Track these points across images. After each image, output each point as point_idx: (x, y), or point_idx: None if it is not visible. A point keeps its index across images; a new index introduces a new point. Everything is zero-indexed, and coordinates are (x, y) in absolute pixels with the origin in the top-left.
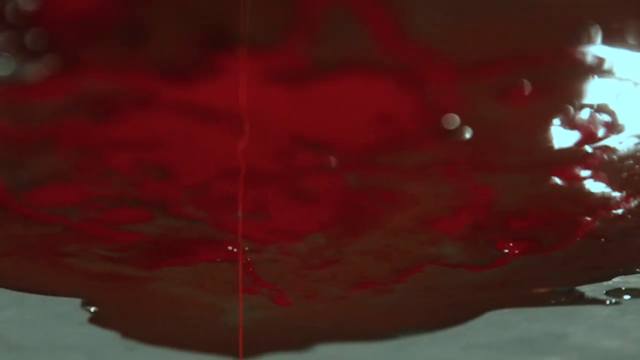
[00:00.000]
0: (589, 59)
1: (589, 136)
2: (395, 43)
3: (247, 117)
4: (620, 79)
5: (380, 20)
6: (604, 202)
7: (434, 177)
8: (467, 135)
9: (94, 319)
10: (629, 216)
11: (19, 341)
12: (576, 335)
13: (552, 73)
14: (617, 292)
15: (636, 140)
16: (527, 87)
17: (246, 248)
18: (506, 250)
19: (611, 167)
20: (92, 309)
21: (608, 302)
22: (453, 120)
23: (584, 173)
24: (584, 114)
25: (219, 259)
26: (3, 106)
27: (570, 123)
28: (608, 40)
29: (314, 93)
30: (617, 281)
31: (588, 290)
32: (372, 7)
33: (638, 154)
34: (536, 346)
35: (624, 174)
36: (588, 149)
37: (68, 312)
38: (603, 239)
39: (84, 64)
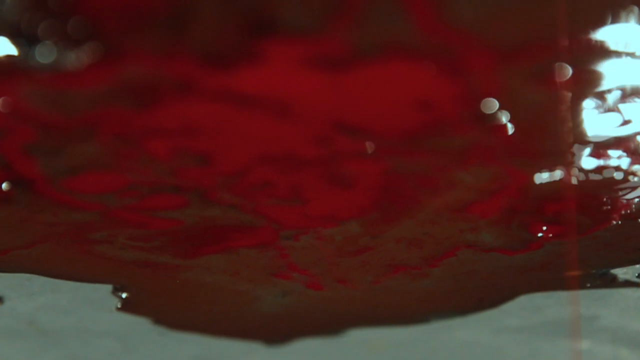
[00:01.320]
0: (627, 41)
1: (626, 119)
2: (435, 28)
3: (287, 102)
4: None
5: (420, 5)
6: (637, 185)
7: (471, 161)
8: (505, 119)
9: (126, 305)
10: None
11: (52, 327)
12: (608, 318)
13: (590, 56)
14: None
15: None
16: (566, 71)
17: (281, 234)
18: (540, 234)
19: None
20: (124, 295)
21: None
22: (491, 104)
23: (620, 156)
24: (622, 97)
25: (254, 246)
26: (44, 93)
27: (607, 106)
28: None
29: (354, 78)
30: None
31: (621, 273)
32: None
33: None
34: (567, 329)
35: None
36: (625, 132)
37: (101, 299)
38: (636, 222)
39: (125, 51)
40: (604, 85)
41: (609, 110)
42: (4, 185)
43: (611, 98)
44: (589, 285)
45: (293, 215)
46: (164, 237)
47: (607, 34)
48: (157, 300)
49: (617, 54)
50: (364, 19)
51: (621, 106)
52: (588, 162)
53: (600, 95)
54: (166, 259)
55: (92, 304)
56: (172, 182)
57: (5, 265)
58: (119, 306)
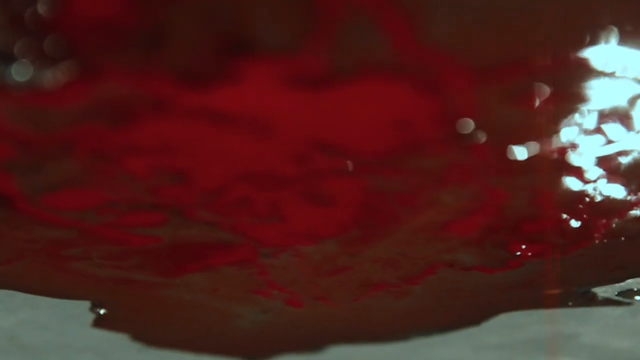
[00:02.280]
0: (604, 61)
1: (604, 139)
2: (412, 48)
3: (265, 121)
4: (636, 82)
5: (398, 25)
6: (618, 204)
7: (449, 180)
8: (482, 138)
9: (105, 321)
10: None
11: (32, 342)
12: (588, 336)
13: (567, 76)
14: (629, 293)
15: None
16: (542, 90)
17: (260, 251)
18: (519, 253)
19: (626, 170)
20: (102, 311)
21: (620, 303)
22: (468, 124)
23: (599, 176)
24: (599, 117)
25: (234, 263)
26: (22, 111)
27: (584, 126)
28: (623, 42)
29: (332, 97)
30: (630, 282)
31: (600, 291)
32: (390, 12)
33: None
34: (547, 347)
35: (639, 177)
36: (603, 151)
37: (81, 315)
38: (617, 241)
39: (102, 69)
40: (583, 106)
41: (588, 130)
42: None
43: (590, 118)
44: (570, 303)
45: (272, 233)
46: (142, 255)
47: (586, 54)
48: (136, 317)
49: (596, 74)
50: (342, 38)
51: (600, 126)
52: (567, 181)
53: (579, 115)
54: (145, 277)
55: (72, 320)
56: (150, 199)
57: None
58: (96, 322)
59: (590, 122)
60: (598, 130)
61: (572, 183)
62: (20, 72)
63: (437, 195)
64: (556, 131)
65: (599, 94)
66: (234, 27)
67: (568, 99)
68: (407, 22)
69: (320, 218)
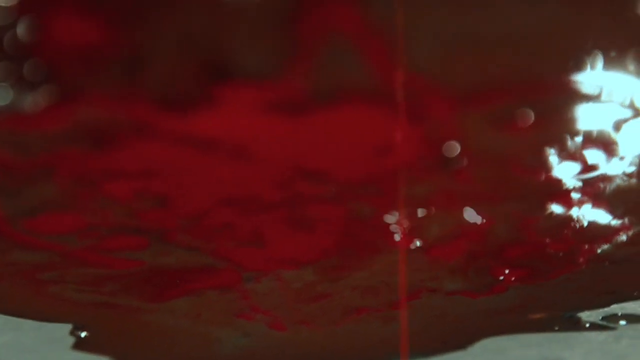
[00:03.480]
0: (589, 86)
1: (588, 165)
2: (393, 73)
3: (245, 146)
4: (621, 107)
5: (378, 51)
6: (603, 230)
7: (431, 206)
8: (465, 164)
9: (86, 345)
10: (629, 243)
11: None
12: None
13: (552, 101)
14: (613, 318)
15: (636, 168)
16: (527, 115)
17: (243, 275)
18: (502, 278)
19: (611, 195)
20: (83, 335)
21: (604, 327)
22: (452, 149)
23: (583, 201)
24: (584, 142)
25: (216, 287)
26: (1, 135)
27: (569, 151)
28: (608, 67)
29: (313, 123)
30: (614, 307)
31: (584, 315)
32: (370, 37)
33: (638, 181)
34: None
35: (624, 202)
36: (588, 177)
37: (63, 338)
38: (602, 266)
39: (81, 93)
40: (568, 130)
41: (570, 154)
42: None
43: (572, 142)
44: (555, 328)
45: (254, 257)
46: (124, 280)
47: (567, 78)
48: (118, 341)
49: (582, 98)
50: (322, 63)
51: (585, 151)
52: (551, 206)
53: (561, 139)
54: (127, 301)
55: (54, 343)
56: (131, 223)
57: None
58: (77, 345)
59: (575, 147)
60: (582, 155)
61: (556, 208)
62: (1, 97)
63: (419, 222)
64: (540, 156)
65: (584, 119)
66: (213, 52)
67: (553, 124)
68: (388, 47)
69: (302, 243)
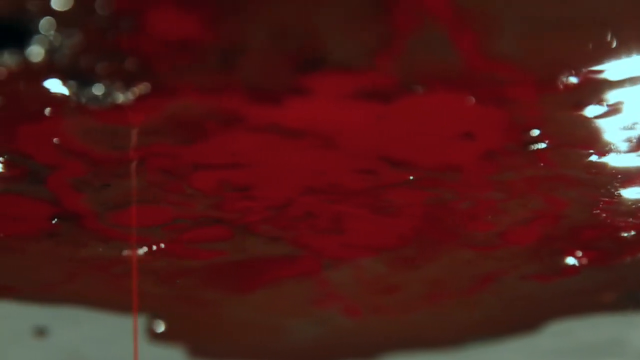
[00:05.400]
0: None
1: None
2: (479, 60)
3: (333, 135)
4: None
5: (466, 39)
6: None
7: (511, 190)
8: (545, 148)
9: (163, 336)
10: None
11: (95, 357)
12: (638, 340)
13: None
14: None
15: None
16: (605, 101)
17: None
18: (575, 261)
19: None
20: (163, 326)
21: None
22: (533, 135)
23: None
24: None
25: (296, 276)
26: (94, 130)
27: None
28: None
29: (399, 111)
30: None
31: None
32: (458, 25)
33: None
34: (598, 352)
35: None
36: None
37: (142, 329)
38: None
39: (174, 87)
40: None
41: None
42: (52, 221)
43: None
44: (625, 309)
45: (334, 245)
46: (203, 272)
47: None
48: (193, 333)
49: None
50: (411, 51)
51: None
52: (626, 188)
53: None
54: (205, 294)
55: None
56: (215, 214)
57: (50, 298)
58: (156, 336)
59: None
60: None
61: (630, 191)
62: (93, 92)
63: (498, 206)
64: (617, 140)
65: None
66: (306, 44)
67: (630, 109)
68: (475, 35)
69: (382, 230)
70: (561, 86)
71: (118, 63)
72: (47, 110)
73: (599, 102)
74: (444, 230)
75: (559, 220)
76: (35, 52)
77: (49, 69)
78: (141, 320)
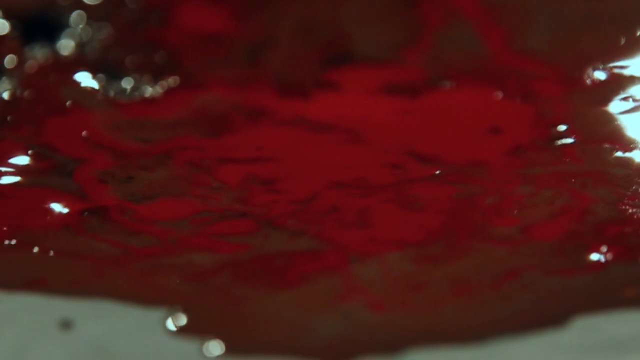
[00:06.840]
0: None
1: None
2: (507, 56)
3: (360, 129)
4: None
5: (494, 34)
6: None
7: (537, 185)
8: (572, 144)
9: (187, 332)
10: None
11: (120, 351)
12: None
13: None
14: None
15: None
16: (632, 97)
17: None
18: (600, 256)
19: None
20: (186, 319)
21: None
22: (560, 130)
23: None
24: None
25: (321, 270)
26: (122, 123)
27: None
28: None
29: (427, 106)
30: None
31: None
32: (486, 20)
33: None
34: (624, 347)
35: None
36: None
37: (165, 322)
38: None
39: (202, 81)
40: None
41: None
42: (83, 214)
43: None
44: None
45: (360, 239)
46: (232, 268)
47: None
48: (219, 329)
49: None
50: (440, 46)
51: None
52: None
53: None
54: (231, 291)
55: (156, 327)
56: (241, 208)
57: (75, 291)
58: (181, 329)
59: None
60: None
61: None
62: (122, 86)
63: (525, 200)
64: None
65: None
66: (334, 38)
67: None
68: (503, 32)
69: (408, 224)
70: (588, 82)
71: (147, 56)
72: (76, 104)
73: (626, 98)
74: (470, 225)
75: (584, 215)
76: (66, 45)
77: (79, 62)
78: (163, 315)
